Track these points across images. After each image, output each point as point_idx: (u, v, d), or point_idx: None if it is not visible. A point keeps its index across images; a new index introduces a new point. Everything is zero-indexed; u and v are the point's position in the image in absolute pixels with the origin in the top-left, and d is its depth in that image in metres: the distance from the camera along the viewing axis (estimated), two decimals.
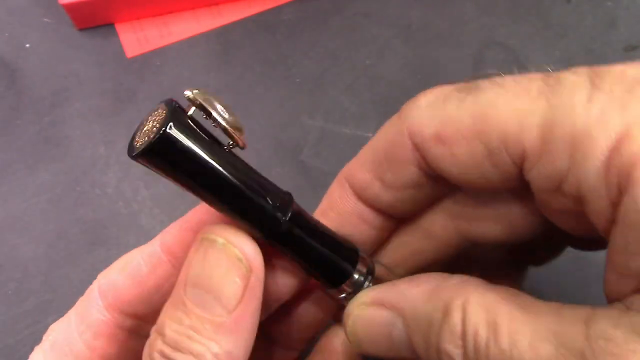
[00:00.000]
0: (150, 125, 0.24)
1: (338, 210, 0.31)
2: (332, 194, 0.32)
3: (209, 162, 0.24)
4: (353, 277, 0.30)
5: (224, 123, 0.24)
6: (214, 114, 0.24)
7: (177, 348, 0.25)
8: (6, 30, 0.63)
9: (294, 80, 0.60)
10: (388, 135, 0.29)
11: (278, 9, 0.63)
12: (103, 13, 0.62)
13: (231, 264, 0.26)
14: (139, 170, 0.56)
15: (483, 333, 0.23)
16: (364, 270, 0.30)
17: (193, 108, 0.24)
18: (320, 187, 0.55)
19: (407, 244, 0.33)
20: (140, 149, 0.23)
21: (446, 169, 0.27)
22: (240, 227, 0.27)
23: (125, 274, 0.30)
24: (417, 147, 0.27)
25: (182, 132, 0.23)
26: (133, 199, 0.55)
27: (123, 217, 0.54)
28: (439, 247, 0.32)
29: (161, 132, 0.23)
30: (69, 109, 0.59)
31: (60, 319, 0.32)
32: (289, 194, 0.28)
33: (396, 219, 0.32)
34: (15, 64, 0.61)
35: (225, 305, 0.26)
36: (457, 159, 0.26)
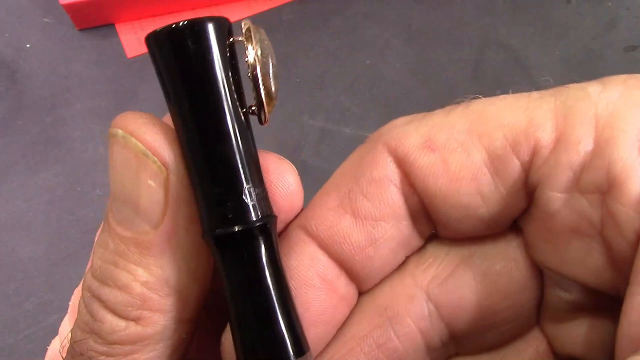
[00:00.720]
0: None
1: (292, 275, 0.23)
2: (287, 259, 0.23)
3: (220, 91, 0.20)
4: None
5: (259, 75, 0.21)
6: (254, 54, 0.21)
7: (103, 280, 0.21)
8: (6, 30, 0.63)
9: (294, 80, 0.60)
10: (357, 160, 0.24)
11: (278, 9, 0.63)
12: (103, 13, 0.62)
13: (137, 160, 0.20)
14: None
15: None
16: None
17: (240, 38, 0.21)
18: (320, 187, 0.55)
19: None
20: (164, 28, 0.20)
21: (435, 184, 0.22)
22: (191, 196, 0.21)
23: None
24: (400, 161, 0.22)
25: (215, 37, 0.20)
26: None
27: None
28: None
29: (196, 20, 0.20)
30: (69, 109, 0.59)
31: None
32: (274, 217, 0.22)
33: (362, 280, 0.24)
34: (16, 65, 0.62)
35: (147, 218, 0.20)
36: (449, 168, 0.22)
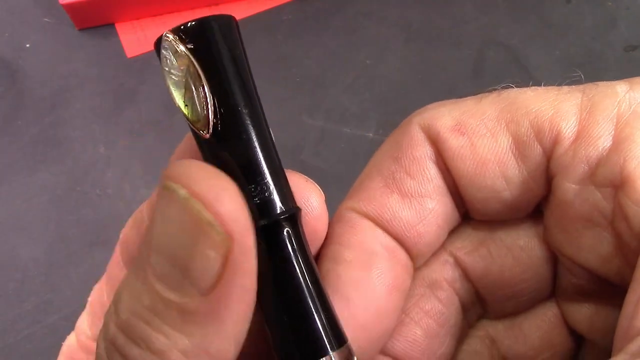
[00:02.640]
0: None
1: (350, 251, 0.23)
2: (347, 237, 0.24)
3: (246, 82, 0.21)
4: None
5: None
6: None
7: (132, 338, 0.19)
8: (6, 30, 0.63)
9: (294, 80, 0.60)
10: (394, 142, 0.24)
11: (278, 9, 0.63)
12: (103, 13, 0.62)
13: (199, 229, 0.18)
14: (139, 170, 0.56)
15: None
16: None
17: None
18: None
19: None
20: (196, 20, 0.21)
21: (463, 166, 0.23)
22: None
23: (134, 227, 0.26)
24: (433, 140, 0.24)
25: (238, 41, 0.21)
26: (133, 199, 0.55)
27: (123, 217, 0.54)
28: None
29: (226, 16, 0.21)
30: (69, 109, 0.59)
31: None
32: (299, 209, 0.22)
33: (414, 256, 0.25)
34: (16, 64, 0.62)
35: (197, 284, 0.18)
36: (477, 152, 0.23)
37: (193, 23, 0.21)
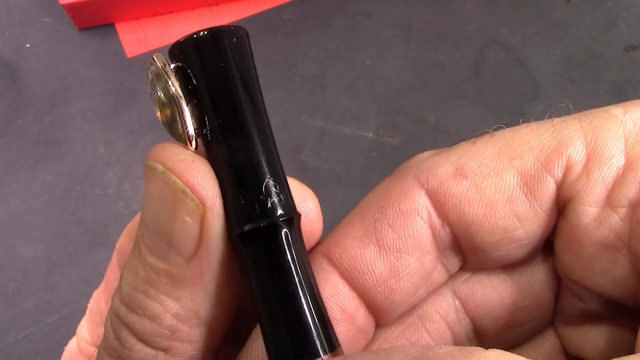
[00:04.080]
0: None
1: None
2: None
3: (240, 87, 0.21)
4: None
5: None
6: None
7: (132, 308, 0.21)
8: (6, 30, 0.63)
9: (294, 80, 0.60)
10: (385, 191, 0.24)
11: (278, 9, 0.63)
12: (103, 13, 0.62)
13: (175, 197, 0.20)
14: (139, 170, 0.56)
15: None
16: None
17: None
18: (320, 187, 0.55)
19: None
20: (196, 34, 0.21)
21: (470, 210, 0.22)
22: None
23: (129, 236, 0.28)
24: (432, 193, 0.23)
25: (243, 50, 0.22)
26: (133, 199, 0.55)
27: (123, 217, 0.54)
28: None
29: (233, 26, 0.21)
30: (69, 109, 0.59)
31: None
32: (298, 213, 0.22)
33: (382, 313, 0.24)
34: (16, 64, 0.62)
35: (181, 252, 0.20)
36: (484, 193, 0.22)
37: (183, 40, 0.21)
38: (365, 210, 0.23)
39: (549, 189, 0.22)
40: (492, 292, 0.25)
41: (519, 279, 0.25)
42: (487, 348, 0.26)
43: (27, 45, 0.63)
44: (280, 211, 0.21)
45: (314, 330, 0.20)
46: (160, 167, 0.21)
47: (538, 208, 0.22)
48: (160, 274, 0.21)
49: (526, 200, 0.22)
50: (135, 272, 0.21)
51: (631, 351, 0.23)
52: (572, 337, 0.25)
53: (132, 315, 0.21)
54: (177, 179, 0.20)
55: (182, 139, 0.21)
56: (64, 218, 0.54)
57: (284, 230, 0.21)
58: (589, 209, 0.21)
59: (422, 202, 0.23)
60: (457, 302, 0.25)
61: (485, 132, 0.23)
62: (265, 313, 0.21)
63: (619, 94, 0.55)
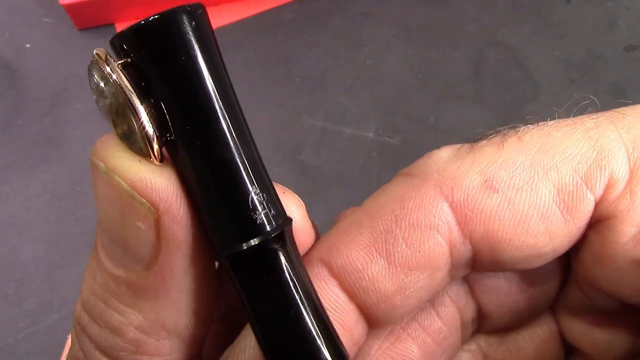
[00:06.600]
0: None
1: None
2: None
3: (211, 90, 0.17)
4: None
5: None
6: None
7: (92, 317, 0.19)
8: (6, 30, 0.63)
9: (294, 80, 0.60)
10: (400, 197, 0.21)
11: (278, 9, 0.63)
12: (103, 13, 0.61)
13: (123, 202, 0.17)
14: None
15: None
16: None
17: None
18: (320, 187, 0.55)
19: None
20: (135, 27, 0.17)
21: (501, 227, 0.20)
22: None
23: None
24: (456, 207, 0.20)
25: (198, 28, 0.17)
26: None
27: None
28: None
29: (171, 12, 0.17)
30: (69, 109, 0.59)
31: None
32: (289, 218, 0.19)
33: (379, 324, 0.22)
34: (16, 64, 0.61)
35: (137, 259, 0.18)
36: (516, 209, 0.20)
37: (130, 29, 0.18)
38: (375, 217, 0.21)
39: (587, 206, 0.20)
40: (502, 280, 0.24)
41: (529, 269, 0.24)
42: (486, 331, 0.26)
43: (27, 45, 0.63)
44: (270, 226, 0.18)
45: (324, 347, 0.19)
46: (102, 165, 0.17)
47: (573, 225, 0.20)
48: (119, 282, 0.18)
49: (561, 217, 0.20)
50: (94, 276, 0.19)
51: (630, 346, 0.23)
52: (571, 325, 0.24)
53: (93, 326, 0.19)
54: (121, 181, 0.17)
55: (143, 151, 0.18)
56: (64, 218, 0.54)
57: (278, 246, 0.18)
58: (630, 229, 0.20)
59: (443, 217, 0.20)
60: (466, 286, 0.24)
61: (502, 130, 0.21)
62: (265, 335, 0.19)
63: (619, 94, 0.55)
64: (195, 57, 0.17)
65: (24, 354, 0.49)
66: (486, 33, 0.61)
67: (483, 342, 0.26)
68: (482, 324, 0.25)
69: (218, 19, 0.63)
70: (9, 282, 0.52)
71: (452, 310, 0.24)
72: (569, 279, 0.24)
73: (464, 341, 0.26)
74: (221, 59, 0.18)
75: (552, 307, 0.25)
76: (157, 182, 0.17)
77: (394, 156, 0.55)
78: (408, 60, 0.60)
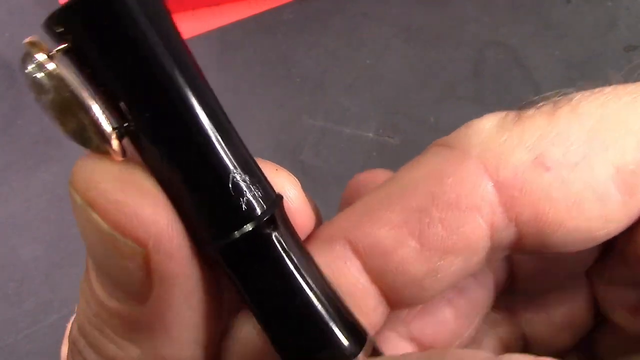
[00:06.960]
0: None
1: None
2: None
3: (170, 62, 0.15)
4: None
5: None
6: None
7: (89, 343, 0.18)
8: (6, 30, 0.63)
9: (294, 80, 0.60)
10: (437, 171, 0.19)
11: (278, 9, 0.63)
12: None
13: (104, 241, 0.15)
14: None
15: None
16: None
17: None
18: (320, 187, 0.55)
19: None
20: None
21: (552, 209, 0.18)
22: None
23: None
24: (502, 186, 0.18)
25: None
26: None
27: None
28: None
29: None
30: None
31: None
32: (279, 196, 0.18)
33: (402, 306, 0.20)
34: (16, 65, 0.61)
35: (129, 294, 0.16)
36: (570, 190, 0.18)
37: (65, 7, 0.15)
38: (408, 193, 0.19)
39: None
40: None
41: None
42: (517, 290, 0.23)
43: None
44: (259, 209, 0.16)
45: (336, 329, 0.17)
46: (79, 199, 0.15)
47: (633, 209, 0.18)
48: (113, 313, 0.17)
49: (620, 199, 0.18)
50: (88, 303, 0.17)
51: None
52: (606, 292, 0.22)
53: (89, 352, 0.17)
54: (100, 220, 0.15)
55: (100, 148, 0.15)
56: (64, 218, 0.54)
57: (270, 230, 0.17)
58: None
59: (486, 197, 0.18)
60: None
61: (549, 96, 0.19)
62: (273, 326, 0.17)
63: None
64: (147, 28, 0.15)
65: (24, 354, 0.49)
66: (486, 33, 0.61)
67: (513, 302, 0.24)
68: (514, 284, 0.24)
69: (218, 19, 0.63)
70: (9, 282, 0.52)
71: (487, 270, 0.22)
72: (611, 248, 0.22)
73: (496, 301, 0.24)
74: (177, 30, 0.16)
75: (589, 274, 0.23)
76: (144, 214, 0.15)
77: (394, 156, 0.55)
78: (408, 60, 0.60)
